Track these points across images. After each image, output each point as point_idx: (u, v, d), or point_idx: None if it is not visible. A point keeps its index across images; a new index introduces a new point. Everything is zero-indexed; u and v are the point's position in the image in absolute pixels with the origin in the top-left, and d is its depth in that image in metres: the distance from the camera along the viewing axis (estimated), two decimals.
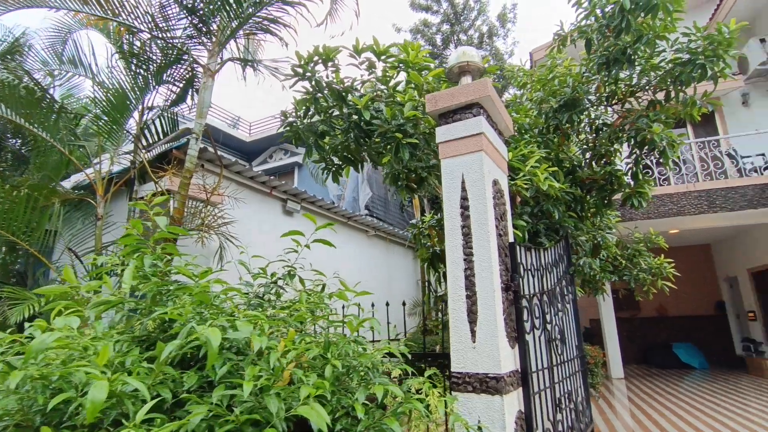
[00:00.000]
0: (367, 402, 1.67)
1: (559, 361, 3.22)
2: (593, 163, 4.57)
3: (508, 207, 2.86)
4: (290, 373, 1.71)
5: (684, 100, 4.09)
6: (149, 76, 4.34)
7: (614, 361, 10.02)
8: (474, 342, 2.33)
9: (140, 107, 4.32)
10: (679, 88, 3.96)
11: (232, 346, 1.87)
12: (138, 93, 4.32)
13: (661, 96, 4.20)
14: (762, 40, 8.94)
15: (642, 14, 3.60)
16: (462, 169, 2.57)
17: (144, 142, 4.20)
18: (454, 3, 16.40)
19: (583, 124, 4.91)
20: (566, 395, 3.26)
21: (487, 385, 2.24)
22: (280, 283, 2.32)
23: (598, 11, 3.78)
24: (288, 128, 3.39)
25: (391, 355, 2.24)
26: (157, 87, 4.41)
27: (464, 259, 2.45)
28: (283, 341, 1.81)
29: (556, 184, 3.17)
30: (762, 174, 8.56)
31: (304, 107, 3.24)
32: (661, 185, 8.73)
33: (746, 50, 9.22)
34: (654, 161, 8.14)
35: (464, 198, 2.53)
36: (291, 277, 2.26)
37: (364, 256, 7.80)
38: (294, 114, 3.32)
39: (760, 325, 10.72)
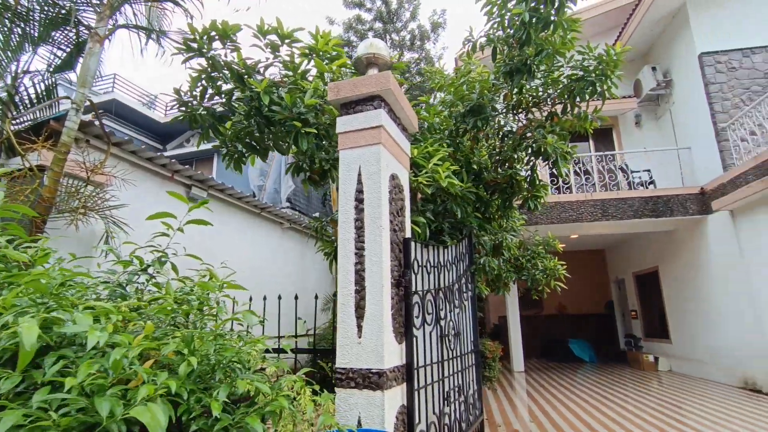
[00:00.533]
0: (227, 401, 1.56)
1: (451, 356, 3.31)
2: (498, 167, 4.78)
3: (406, 203, 2.87)
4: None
5: (579, 114, 4.42)
6: (26, 35, 3.80)
7: (516, 356, 10.69)
8: (360, 337, 2.30)
9: (12, 70, 3.77)
10: (575, 102, 4.27)
11: (83, 342, 1.66)
12: (10, 54, 3.77)
13: (559, 109, 4.50)
14: (653, 68, 10.00)
15: (543, 29, 3.81)
16: (359, 162, 2.53)
17: (14, 111, 3.67)
18: (387, 1, 16.50)
19: (492, 130, 5.13)
20: (456, 389, 3.36)
21: (370, 380, 2.22)
22: (151, 271, 2.11)
23: (506, 21, 3.95)
24: (183, 108, 3.13)
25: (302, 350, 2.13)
26: (35, 49, 3.88)
27: (355, 253, 2.41)
28: (140, 337, 1.64)
29: (457, 182, 3.25)
30: (647, 188, 9.59)
31: (200, 87, 3.01)
32: (564, 193, 9.45)
33: (641, 76, 10.27)
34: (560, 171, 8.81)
35: (359, 191, 2.49)
36: (161, 264, 2.06)
37: (277, 249, 7.56)
38: (189, 93, 3.08)
39: (640, 322, 12.03)
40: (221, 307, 1.86)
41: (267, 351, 2.64)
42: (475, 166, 4.70)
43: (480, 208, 4.60)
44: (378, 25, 16.59)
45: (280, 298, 2.91)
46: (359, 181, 2.50)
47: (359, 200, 2.47)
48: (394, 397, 2.33)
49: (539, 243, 6.03)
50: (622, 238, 11.99)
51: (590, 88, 3.95)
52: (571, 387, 8.53)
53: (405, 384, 2.47)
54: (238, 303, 2.19)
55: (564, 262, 5.91)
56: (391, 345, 2.36)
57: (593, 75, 3.93)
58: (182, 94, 3.09)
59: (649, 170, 9.85)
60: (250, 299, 2.93)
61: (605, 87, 3.96)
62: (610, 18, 10.70)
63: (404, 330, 2.54)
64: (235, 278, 2.07)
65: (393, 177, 2.67)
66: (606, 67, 3.88)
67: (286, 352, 2.20)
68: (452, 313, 3.44)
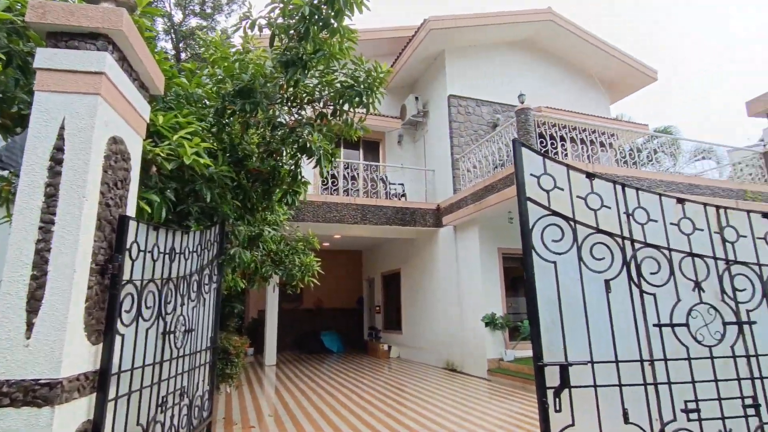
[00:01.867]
0: None
1: (177, 355, 2.94)
2: (265, 157, 4.62)
3: (134, 175, 2.39)
4: None
5: (346, 120, 4.65)
6: None
7: (270, 350, 10.70)
8: (29, 338, 1.75)
9: None
10: (343, 108, 4.47)
11: None
12: None
13: (330, 111, 4.64)
14: (417, 98, 11.65)
15: (323, 29, 3.86)
16: (65, 111, 1.95)
17: None
18: None
19: (266, 119, 4.94)
20: (179, 391, 3.00)
21: (35, 394, 1.70)
22: None
23: (289, 8, 3.83)
24: None
25: None
26: None
27: (40, 228, 1.84)
28: None
29: (206, 160, 2.92)
30: (400, 199, 11.04)
31: None
32: (332, 194, 10.00)
33: (407, 102, 11.82)
34: (321, 170, 9.25)
35: (59, 148, 1.92)
36: None
37: None
38: None
39: (382, 316, 13.74)
40: None
41: None
42: (240, 152, 4.42)
43: (239, 196, 4.34)
44: None
45: None
46: (60, 136, 1.93)
47: (57, 160, 1.90)
48: (76, 411, 1.85)
49: (299, 239, 6.13)
50: (376, 241, 13.49)
51: (357, 97, 4.20)
52: (316, 377, 9.01)
53: (96, 394, 2.01)
54: None
55: (319, 259, 6.16)
56: (79, 347, 1.88)
57: (362, 86, 4.19)
58: None
59: (403, 184, 11.37)
60: None
61: (370, 100, 4.27)
62: (396, 43, 11.91)
63: (105, 327, 2.07)
64: None
65: (116, 140, 2.17)
66: (373, 82, 4.20)
67: None
68: (185, 306, 3.07)
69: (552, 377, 2.20)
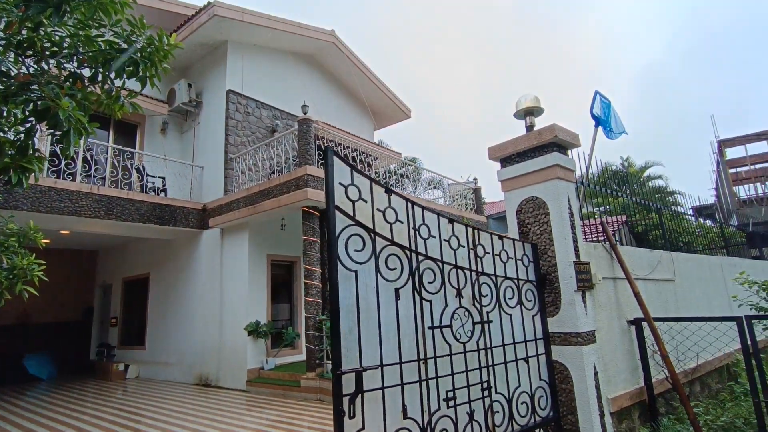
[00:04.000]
0: None
1: None
2: None
3: None
4: None
5: (110, 91, 3.75)
6: None
7: None
8: None
9: None
10: (108, 75, 3.59)
11: None
12: None
13: (87, 74, 3.66)
14: (189, 85, 10.48)
15: None
16: None
17: None
18: None
19: None
20: None
21: None
22: None
23: None
24: None
25: None
26: None
27: None
28: None
29: None
30: (159, 194, 9.63)
31: None
32: (64, 179, 7.89)
33: (177, 87, 10.48)
34: (67, 147, 7.27)
35: None
36: None
37: None
38: None
39: (119, 330, 11.58)
40: None
41: None
42: None
43: None
44: None
45: None
46: None
47: None
48: None
49: (13, 233, 4.54)
50: (120, 240, 11.35)
51: (132, 66, 3.43)
52: (13, 415, 6.82)
53: None
54: None
55: (44, 262, 4.71)
56: None
57: (139, 54, 3.45)
58: None
59: (164, 178, 9.97)
60: None
61: (149, 74, 3.56)
62: (171, 19, 10.36)
63: None
64: None
65: None
66: (155, 53, 3.52)
67: None
68: None
69: (348, 384, 2.25)
